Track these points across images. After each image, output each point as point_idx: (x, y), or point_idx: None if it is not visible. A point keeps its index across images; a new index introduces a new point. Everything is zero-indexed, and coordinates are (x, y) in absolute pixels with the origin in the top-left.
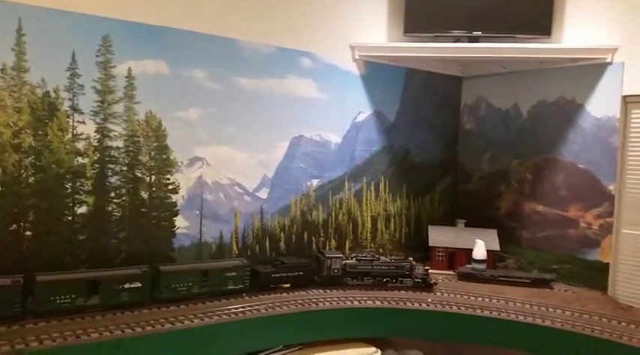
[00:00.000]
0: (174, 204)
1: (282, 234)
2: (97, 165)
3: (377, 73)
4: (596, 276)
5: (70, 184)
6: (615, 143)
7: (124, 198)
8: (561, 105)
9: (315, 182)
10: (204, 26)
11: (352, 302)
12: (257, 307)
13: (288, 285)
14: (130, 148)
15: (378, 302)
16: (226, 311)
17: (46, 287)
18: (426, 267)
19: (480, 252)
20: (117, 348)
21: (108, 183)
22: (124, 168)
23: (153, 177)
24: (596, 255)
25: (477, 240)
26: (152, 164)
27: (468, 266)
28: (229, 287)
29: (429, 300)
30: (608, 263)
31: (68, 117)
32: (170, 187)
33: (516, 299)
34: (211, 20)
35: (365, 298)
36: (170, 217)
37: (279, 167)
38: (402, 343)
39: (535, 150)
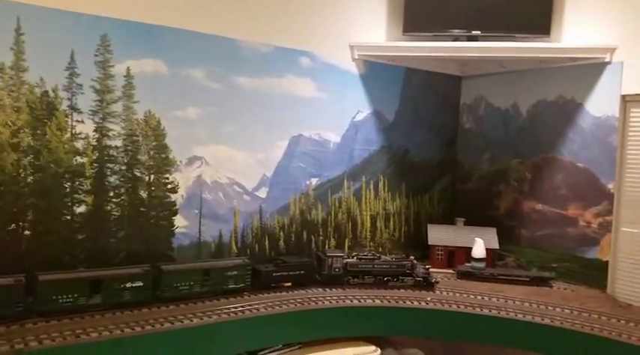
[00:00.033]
0: (174, 204)
1: (281, 233)
2: (95, 165)
3: (376, 72)
4: (596, 274)
5: (68, 183)
6: (614, 142)
7: (123, 197)
8: (560, 105)
9: (315, 181)
10: (202, 25)
11: (352, 301)
12: (257, 306)
13: (289, 284)
14: (129, 147)
15: (377, 301)
16: (226, 310)
17: (49, 286)
18: (427, 266)
19: (479, 250)
20: (116, 347)
21: (107, 183)
22: (123, 168)
23: (152, 177)
24: (596, 253)
25: (476, 239)
26: (151, 163)
27: (467, 264)
28: (230, 286)
29: (428, 299)
30: (607, 261)
31: (67, 116)
32: (169, 186)
33: (515, 298)
34: (210, 20)
35: (365, 297)
36: (169, 216)
37: (279, 166)
38: (401, 342)
39: (534, 149)
